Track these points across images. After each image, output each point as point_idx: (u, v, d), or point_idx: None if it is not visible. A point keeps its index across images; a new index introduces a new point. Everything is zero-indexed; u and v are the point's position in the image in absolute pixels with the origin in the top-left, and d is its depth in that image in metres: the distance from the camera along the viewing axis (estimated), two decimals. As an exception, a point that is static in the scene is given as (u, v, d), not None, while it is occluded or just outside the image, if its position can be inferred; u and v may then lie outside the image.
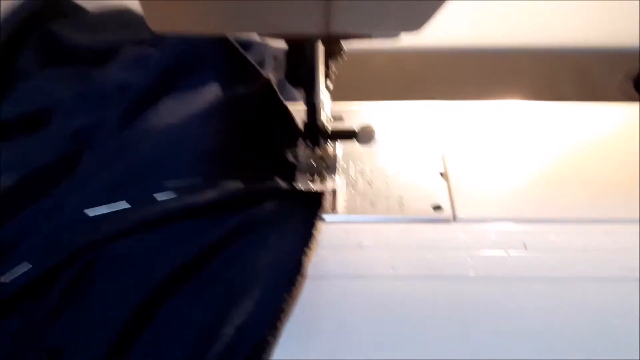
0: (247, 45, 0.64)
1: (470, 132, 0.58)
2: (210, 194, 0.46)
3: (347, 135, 0.49)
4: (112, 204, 0.47)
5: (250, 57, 0.60)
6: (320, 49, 0.42)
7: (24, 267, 0.43)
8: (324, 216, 0.48)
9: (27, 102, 0.62)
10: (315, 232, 0.46)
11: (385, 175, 0.53)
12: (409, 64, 0.75)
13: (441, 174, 0.53)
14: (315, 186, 0.50)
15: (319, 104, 0.46)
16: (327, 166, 0.51)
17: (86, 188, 0.49)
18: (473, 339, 0.39)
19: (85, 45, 0.69)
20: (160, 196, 0.47)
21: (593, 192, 0.50)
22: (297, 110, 0.52)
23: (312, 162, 0.51)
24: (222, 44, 0.59)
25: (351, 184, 0.52)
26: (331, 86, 0.49)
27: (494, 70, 0.73)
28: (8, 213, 0.48)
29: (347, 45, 0.46)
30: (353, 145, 0.50)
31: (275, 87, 0.53)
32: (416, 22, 0.33)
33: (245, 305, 0.40)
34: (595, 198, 0.50)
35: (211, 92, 0.58)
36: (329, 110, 0.50)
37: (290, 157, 0.52)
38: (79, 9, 0.76)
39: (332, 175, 0.52)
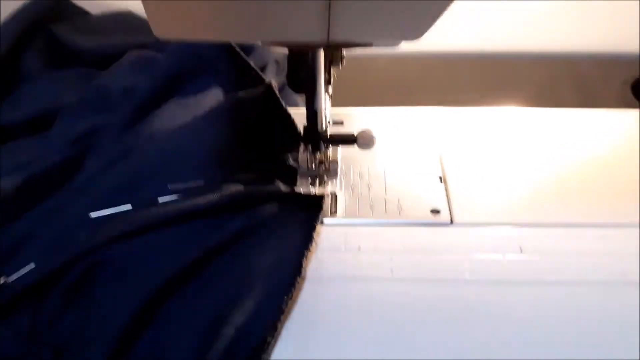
0: (250, 49, 0.64)
1: (468, 138, 0.58)
2: (211, 197, 0.47)
3: (347, 139, 0.50)
4: (116, 207, 0.47)
5: (253, 62, 0.60)
6: (321, 56, 0.43)
7: (28, 268, 0.44)
8: (324, 219, 0.49)
9: (32, 105, 0.62)
10: (315, 235, 0.46)
11: (384, 179, 0.53)
12: (408, 70, 0.75)
13: (440, 179, 0.53)
14: (315, 190, 0.51)
15: (320, 109, 0.47)
16: (327, 170, 0.52)
17: (90, 191, 0.49)
18: (470, 342, 0.39)
19: (89, 48, 0.70)
20: (163, 199, 0.48)
21: (590, 197, 0.51)
22: (298, 114, 0.52)
23: (313, 166, 0.51)
24: (224, 49, 0.59)
25: (351, 188, 0.52)
26: (331, 92, 0.50)
27: (493, 75, 0.74)
28: (13, 215, 0.49)
29: (348, 51, 0.46)
30: (353, 149, 0.50)
31: (277, 92, 0.54)
32: (416, 31, 0.34)
33: (245, 306, 0.40)
34: (592, 203, 0.50)
35: (214, 97, 0.58)
36: (329, 115, 0.51)
37: (291, 161, 0.53)
38: (82, 12, 0.76)
39: (332, 179, 0.52)
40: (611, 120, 0.61)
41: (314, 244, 0.46)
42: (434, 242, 0.47)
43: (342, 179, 0.53)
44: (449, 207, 0.50)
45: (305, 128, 0.49)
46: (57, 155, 0.54)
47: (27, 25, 0.69)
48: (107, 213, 0.47)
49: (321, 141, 0.50)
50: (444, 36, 0.71)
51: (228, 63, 0.59)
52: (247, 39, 0.53)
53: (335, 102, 0.52)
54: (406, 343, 0.39)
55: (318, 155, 0.51)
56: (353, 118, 0.60)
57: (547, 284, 0.43)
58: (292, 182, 0.51)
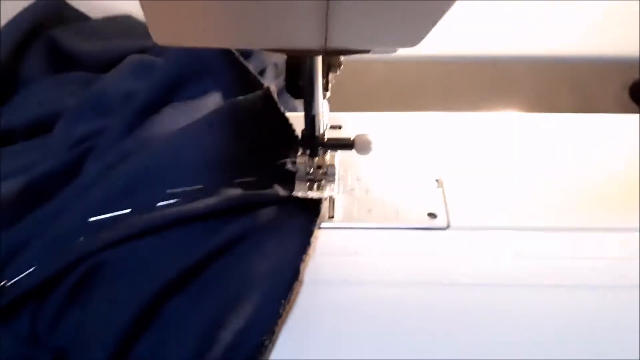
0: (248, 53, 0.65)
1: (465, 142, 0.58)
2: (210, 201, 0.47)
3: (345, 144, 0.50)
4: (115, 211, 0.48)
5: (252, 65, 0.60)
6: (319, 62, 0.43)
7: (29, 271, 0.44)
8: (322, 223, 0.49)
9: (32, 109, 0.62)
10: (312, 239, 0.46)
11: (381, 183, 0.54)
12: (405, 74, 0.75)
13: (437, 182, 0.53)
14: (313, 194, 0.51)
15: (318, 115, 0.47)
16: (325, 174, 0.52)
17: (90, 195, 0.49)
18: (467, 346, 0.40)
19: (89, 52, 0.70)
20: (162, 203, 0.48)
21: (587, 202, 0.51)
22: (297, 118, 0.53)
23: (311, 170, 0.52)
24: (223, 53, 0.59)
25: (348, 192, 0.53)
26: (329, 96, 0.50)
27: (490, 80, 0.74)
28: (13, 218, 0.49)
29: (345, 57, 0.46)
30: (350, 154, 0.50)
31: (275, 97, 0.54)
32: (414, 38, 0.34)
33: (243, 310, 0.41)
34: (589, 207, 0.50)
35: (213, 102, 0.59)
36: (327, 119, 0.51)
37: (289, 165, 0.53)
38: (82, 16, 0.76)
39: (330, 183, 0.52)
40: (609, 124, 0.60)
41: (311, 248, 0.46)
42: (430, 246, 0.47)
43: (340, 183, 0.53)
44: (446, 211, 0.50)
45: (303, 133, 0.50)
46: (58, 159, 0.54)
47: (27, 30, 0.70)
48: (106, 217, 0.48)
49: (319, 146, 0.50)
50: (442, 41, 0.72)
51: (227, 67, 0.60)
52: (246, 45, 0.54)
53: (333, 107, 0.52)
54: (403, 347, 0.40)
55: (316, 159, 0.51)
56: (351, 123, 0.60)
57: (544, 288, 0.43)
58: (290, 187, 0.51)
